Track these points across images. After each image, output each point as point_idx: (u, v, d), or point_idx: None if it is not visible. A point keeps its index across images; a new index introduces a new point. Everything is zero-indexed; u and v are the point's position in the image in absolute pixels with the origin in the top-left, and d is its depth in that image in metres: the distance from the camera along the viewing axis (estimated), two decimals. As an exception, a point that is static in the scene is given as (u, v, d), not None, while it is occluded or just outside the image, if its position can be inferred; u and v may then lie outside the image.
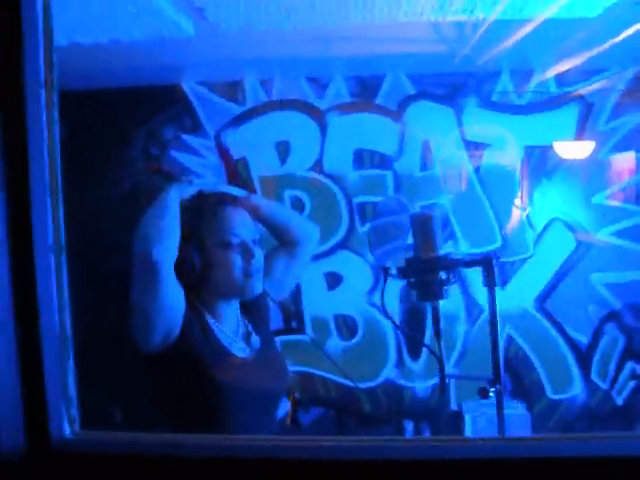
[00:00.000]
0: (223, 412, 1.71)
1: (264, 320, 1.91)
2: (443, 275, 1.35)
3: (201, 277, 1.70)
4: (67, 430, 0.94)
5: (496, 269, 1.33)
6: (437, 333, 1.44)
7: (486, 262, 1.30)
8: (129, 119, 3.44)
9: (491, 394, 1.34)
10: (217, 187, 1.80)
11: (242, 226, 1.75)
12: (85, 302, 1.37)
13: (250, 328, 1.84)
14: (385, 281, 1.41)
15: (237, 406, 1.72)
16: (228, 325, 1.78)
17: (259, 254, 1.75)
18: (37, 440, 0.91)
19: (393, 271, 1.38)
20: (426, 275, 1.34)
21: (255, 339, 1.83)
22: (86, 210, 3.28)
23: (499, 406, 1.34)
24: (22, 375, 0.92)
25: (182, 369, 1.69)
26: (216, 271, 1.71)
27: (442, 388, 1.46)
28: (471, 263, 1.35)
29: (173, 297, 1.62)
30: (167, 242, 1.59)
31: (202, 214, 1.74)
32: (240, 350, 1.78)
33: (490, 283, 1.32)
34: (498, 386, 1.34)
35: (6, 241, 0.95)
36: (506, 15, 2.99)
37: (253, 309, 1.86)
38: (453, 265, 1.34)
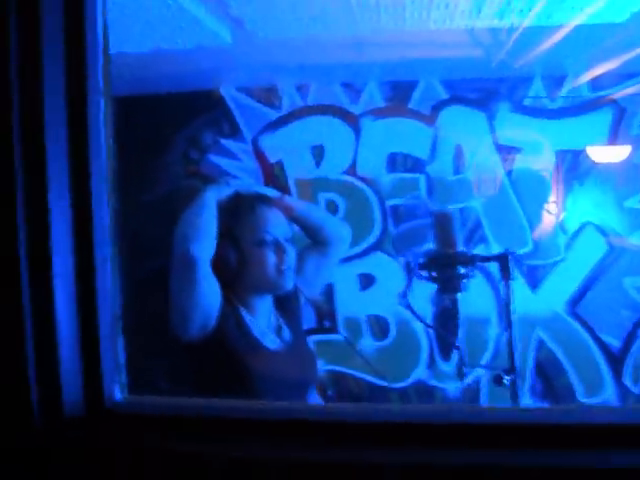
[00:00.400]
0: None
1: (295, 315, 2.00)
2: (462, 269, 1.41)
3: (236, 273, 1.80)
4: (118, 394, 1.08)
5: (512, 265, 1.39)
6: (456, 326, 1.50)
7: (502, 258, 1.36)
8: (170, 124, 3.56)
9: (505, 382, 1.40)
10: (253, 188, 1.90)
11: (275, 225, 1.85)
12: (133, 292, 1.48)
13: (282, 322, 1.94)
14: (410, 277, 1.49)
15: (266, 396, 1.82)
16: (261, 319, 1.88)
17: (291, 251, 1.85)
18: (94, 401, 1.07)
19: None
20: (446, 269, 1.41)
21: (286, 332, 1.92)
22: (131, 212, 3.42)
23: (514, 397, 1.40)
24: (83, 348, 1.08)
25: (217, 358, 1.79)
26: (250, 267, 1.82)
27: (460, 375, 1.52)
28: (488, 259, 1.42)
29: (209, 292, 1.73)
30: (204, 240, 1.70)
31: (238, 213, 1.84)
32: (271, 342, 1.87)
33: (506, 277, 1.38)
34: (513, 376, 1.40)
35: (70, 239, 1.08)
36: (536, 22, 3.04)
37: (285, 304, 1.96)
38: (471, 260, 1.40)
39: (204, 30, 2.36)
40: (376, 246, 3.53)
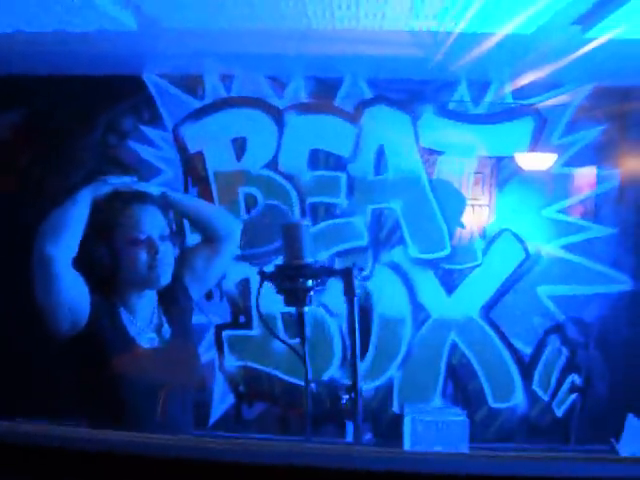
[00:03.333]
0: (124, 402, 1.76)
1: (181, 312, 1.96)
2: (309, 283, 1.38)
3: (111, 271, 1.76)
4: None
5: (356, 281, 1.37)
6: (302, 339, 1.47)
7: (346, 273, 1.33)
8: (89, 107, 3.47)
9: (343, 402, 1.37)
10: (134, 186, 1.84)
11: (149, 223, 1.80)
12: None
13: (164, 320, 1.89)
14: (261, 284, 1.45)
15: (139, 396, 1.77)
16: (141, 316, 1.84)
17: (166, 249, 1.80)
18: None
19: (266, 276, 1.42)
20: (293, 282, 1.38)
21: (166, 330, 1.88)
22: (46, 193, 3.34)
23: (353, 415, 1.37)
24: None
25: (88, 358, 1.74)
26: (122, 265, 1.77)
27: (305, 392, 1.49)
28: (333, 273, 1.39)
29: (72, 289, 1.68)
30: (64, 238, 1.65)
31: (112, 212, 1.79)
32: (148, 341, 1.83)
33: (349, 293, 1.36)
34: (353, 394, 1.37)
35: None
36: (469, 28, 3.02)
37: (169, 301, 1.91)
38: (317, 274, 1.37)
39: (105, 15, 2.28)
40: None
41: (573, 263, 3.47)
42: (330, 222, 3.52)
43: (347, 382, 1.38)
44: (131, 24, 2.42)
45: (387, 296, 3.54)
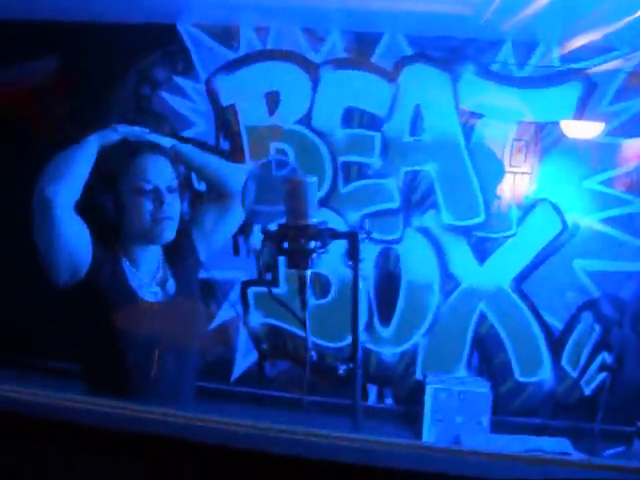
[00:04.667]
0: (121, 355, 1.74)
1: (188, 268, 1.91)
2: (312, 244, 1.31)
3: (115, 220, 1.72)
4: None
5: (361, 245, 1.29)
6: (303, 303, 1.41)
7: (351, 237, 1.26)
8: (121, 57, 3.42)
9: (340, 372, 1.31)
10: (143, 135, 1.78)
11: (157, 173, 1.74)
12: None
13: (169, 274, 1.85)
14: (264, 244, 1.39)
15: (137, 350, 1.74)
16: (145, 269, 1.79)
17: (172, 201, 1.75)
18: None
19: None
20: (295, 243, 1.31)
21: (171, 285, 1.83)
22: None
23: (353, 386, 1.31)
24: None
25: (87, 308, 1.72)
26: (127, 215, 1.73)
27: (305, 358, 1.43)
28: (338, 235, 1.31)
29: (73, 235, 1.64)
30: (65, 181, 1.60)
31: (119, 160, 1.74)
32: (151, 295, 1.79)
33: (353, 258, 1.28)
34: (352, 364, 1.31)
35: None
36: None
37: (176, 256, 1.87)
38: (321, 235, 1.30)
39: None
40: (324, 202, 3.42)
41: (612, 238, 3.32)
42: (361, 182, 3.43)
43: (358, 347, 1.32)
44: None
45: (416, 261, 3.46)
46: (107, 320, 1.70)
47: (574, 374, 3.42)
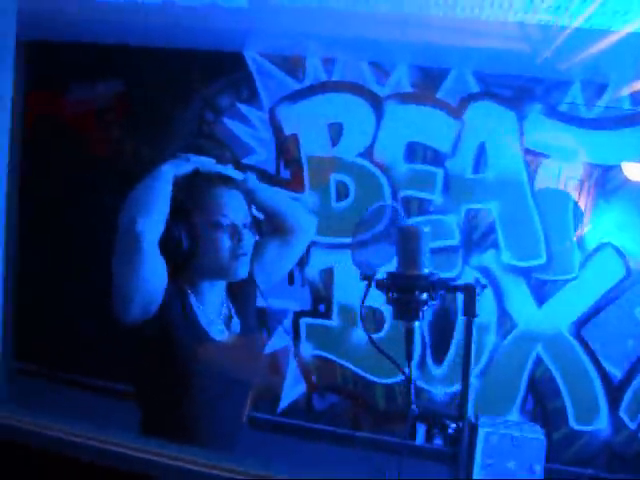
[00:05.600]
0: (191, 392, 1.71)
1: (249, 305, 1.89)
2: (423, 296, 1.27)
3: (188, 255, 1.69)
4: None
5: (478, 300, 1.25)
6: (409, 355, 1.37)
7: (467, 290, 1.22)
8: (189, 81, 3.45)
9: (450, 430, 1.26)
10: (214, 167, 1.76)
11: (233, 208, 1.72)
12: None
13: (233, 311, 1.82)
14: (366, 291, 1.36)
15: (206, 387, 1.71)
16: (211, 306, 1.77)
17: (248, 238, 1.73)
18: None
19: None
20: (406, 293, 1.27)
21: (235, 323, 1.81)
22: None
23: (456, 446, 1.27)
24: None
25: (157, 345, 1.68)
26: (203, 251, 1.70)
27: (409, 411, 1.39)
28: (453, 289, 1.27)
29: (154, 271, 1.61)
30: (152, 216, 1.58)
31: (195, 192, 1.72)
32: (218, 333, 1.76)
33: (469, 313, 1.24)
34: (461, 423, 1.27)
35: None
36: (586, 24, 2.84)
37: (239, 293, 1.84)
38: (434, 287, 1.26)
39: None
40: (384, 237, 3.37)
41: (678, 285, 3.24)
42: (422, 218, 3.39)
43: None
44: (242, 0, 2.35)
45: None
46: (176, 359, 1.67)
47: (633, 425, 3.32)
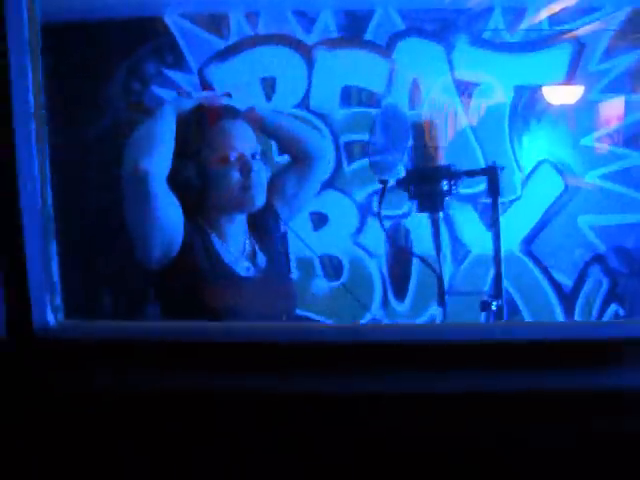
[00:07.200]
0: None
1: (272, 238, 1.86)
2: (445, 186, 1.29)
3: (200, 193, 1.66)
4: (51, 319, 0.89)
5: (500, 179, 1.28)
6: (437, 247, 1.40)
7: (490, 172, 1.24)
8: (109, 54, 3.31)
9: (493, 307, 1.31)
10: (218, 100, 1.72)
11: (240, 139, 1.70)
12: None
13: (257, 247, 1.80)
14: (382, 195, 1.36)
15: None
16: (233, 243, 1.74)
17: (259, 168, 1.71)
18: (19, 328, 0.86)
19: (391, 183, 1.33)
20: (431, 185, 1.28)
21: (261, 258, 1.78)
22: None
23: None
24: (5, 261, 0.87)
25: (182, 287, 1.65)
26: (214, 186, 1.67)
27: (441, 304, 1.42)
28: (475, 173, 1.29)
29: (168, 212, 1.58)
30: (157, 154, 1.54)
31: (199, 128, 1.69)
32: (244, 269, 1.74)
33: (494, 193, 1.27)
34: (500, 301, 1.31)
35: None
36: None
37: (260, 227, 1.81)
38: (455, 175, 1.28)
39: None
40: (329, 184, 3.39)
41: (613, 192, 3.41)
42: (366, 161, 3.42)
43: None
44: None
45: (426, 234, 3.47)
46: (205, 300, 1.64)
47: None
